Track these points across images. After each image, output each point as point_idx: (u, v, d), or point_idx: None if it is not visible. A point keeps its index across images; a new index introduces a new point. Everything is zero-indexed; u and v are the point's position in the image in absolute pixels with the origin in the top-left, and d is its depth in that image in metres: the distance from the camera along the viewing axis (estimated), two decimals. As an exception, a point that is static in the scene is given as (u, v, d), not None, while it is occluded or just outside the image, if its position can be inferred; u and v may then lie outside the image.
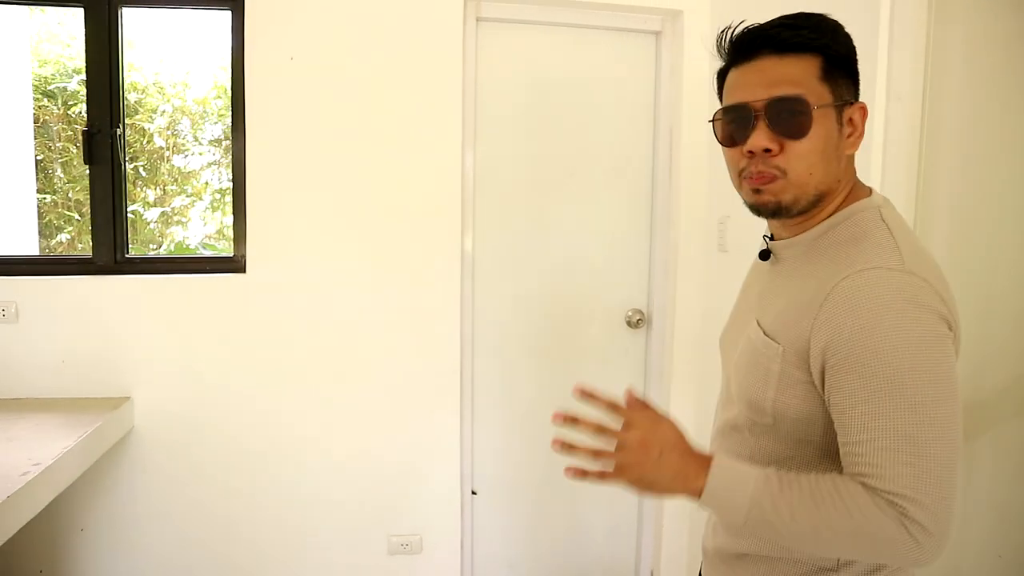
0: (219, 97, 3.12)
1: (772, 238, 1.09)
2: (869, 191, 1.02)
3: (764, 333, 1.00)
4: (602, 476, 0.97)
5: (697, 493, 0.90)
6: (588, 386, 1.01)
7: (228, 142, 2.83)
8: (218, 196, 3.18)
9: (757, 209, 1.01)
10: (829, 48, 0.96)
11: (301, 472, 2.39)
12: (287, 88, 2.26)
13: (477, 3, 2.39)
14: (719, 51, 1.04)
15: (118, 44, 2.25)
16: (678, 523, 2.65)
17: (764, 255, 1.12)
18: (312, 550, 2.42)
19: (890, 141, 1.65)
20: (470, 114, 2.43)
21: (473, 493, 2.61)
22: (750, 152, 0.97)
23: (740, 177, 1.01)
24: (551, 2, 2.42)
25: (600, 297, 2.65)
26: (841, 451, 0.89)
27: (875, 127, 1.63)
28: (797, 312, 0.94)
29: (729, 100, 1.02)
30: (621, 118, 2.59)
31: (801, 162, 0.94)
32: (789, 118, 0.94)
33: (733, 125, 0.99)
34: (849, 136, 0.98)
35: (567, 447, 0.98)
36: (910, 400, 0.82)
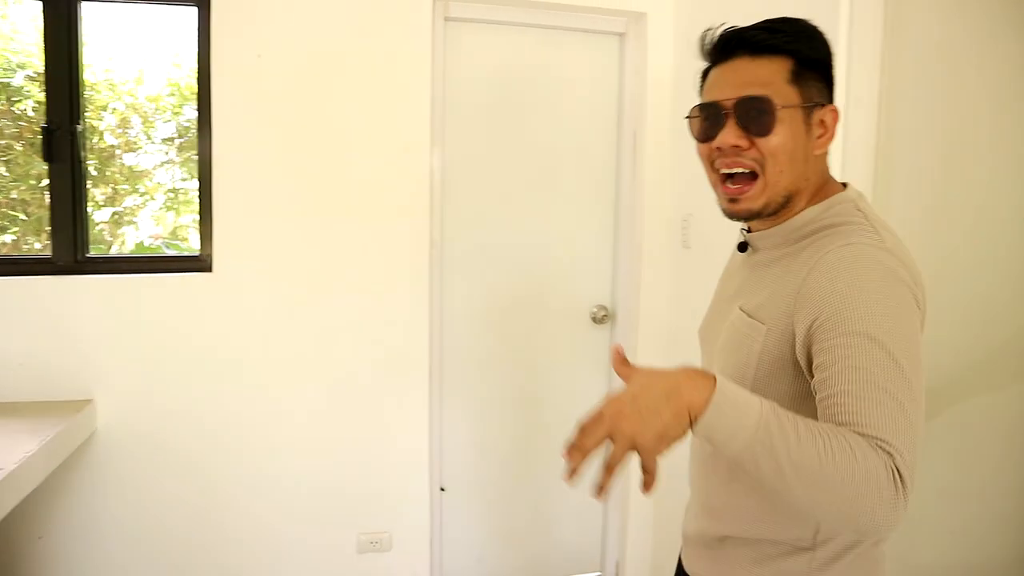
0: (173, 94, 3.05)
1: (749, 230, 1.14)
2: (843, 186, 1.07)
3: (748, 316, 1.03)
4: (610, 459, 0.81)
5: (702, 406, 0.79)
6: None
7: (182, 140, 2.78)
8: (171, 196, 3.12)
9: (731, 215, 1.06)
10: (801, 52, 1.00)
11: (269, 472, 2.36)
12: (255, 86, 2.24)
13: (445, 3, 2.41)
14: (701, 52, 1.08)
15: (77, 39, 2.19)
16: (643, 515, 2.72)
17: (742, 247, 1.16)
18: (282, 551, 2.39)
19: (850, 142, 1.74)
20: (438, 113, 2.44)
21: (441, 490, 2.62)
22: (719, 148, 1.01)
23: (716, 176, 1.05)
24: (518, 3, 2.45)
25: (566, 294, 2.69)
26: (821, 406, 0.86)
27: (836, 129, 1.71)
28: (781, 293, 0.98)
29: (704, 98, 1.06)
30: (587, 118, 2.64)
31: (773, 159, 0.99)
32: (756, 117, 0.98)
33: (706, 122, 1.04)
34: (820, 137, 1.02)
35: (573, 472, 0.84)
36: (890, 359, 0.83)
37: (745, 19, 1.06)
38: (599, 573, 2.86)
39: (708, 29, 1.07)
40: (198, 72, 2.26)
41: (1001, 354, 1.40)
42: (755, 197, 1.01)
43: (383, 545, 2.47)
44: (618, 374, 0.89)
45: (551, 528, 2.78)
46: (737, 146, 0.99)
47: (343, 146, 2.32)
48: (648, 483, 0.81)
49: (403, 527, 2.49)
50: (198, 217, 2.33)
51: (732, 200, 1.03)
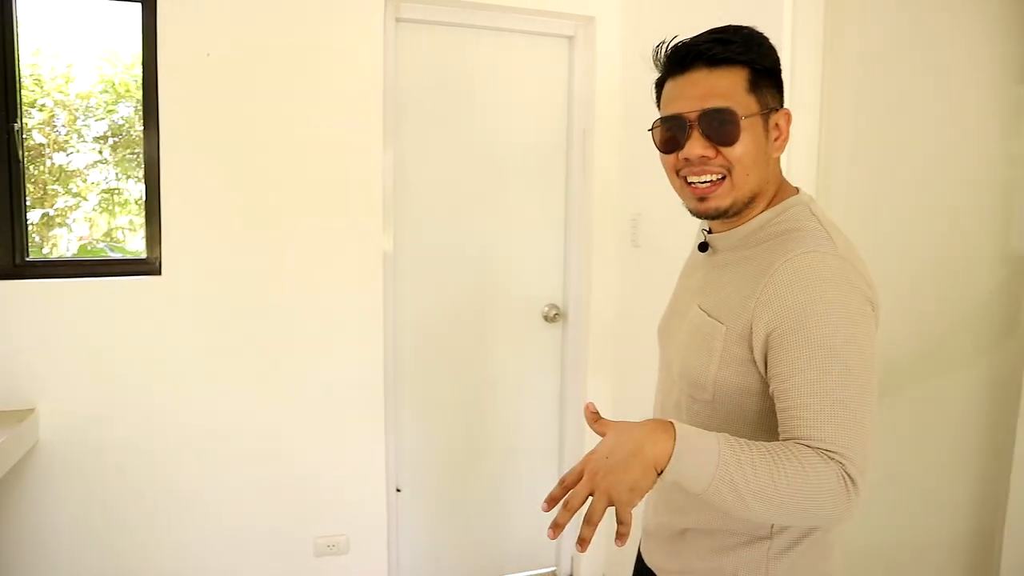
0: (106, 91, 2.96)
1: (709, 231, 1.18)
2: (796, 189, 1.12)
3: (707, 315, 1.08)
4: (589, 514, 0.88)
5: (665, 459, 0.87)
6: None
7: (116, 139, 2.69)
8: (106, 196, 3.02)
9: (699, 214, 1.10)
10: (755, 61, 1.04)
11: (223, 478, 2.32)
12: (203, 85, 2.20)
13: (397, 4, 2.40)
14: (655, 63, 1.11)
15: (13, 32, 2.11)
16: (596, 508, 2.77)
17: (703, 247, 1.20)
18: (238, 557, 2.35)
19: (793, 143, 1.82)
20: (390, 114, 2.43)
21: (398, 491, 2.62)
22: (686, 159, 1.05)
23: (682, 181, 1.09)
24: (469, 5, 2.47)
25: (518, 293, 2.73)
26: (780, 416, 0.95)
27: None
28: (739, 295, 1.03)
29: (666, 111, 1.09)
30: (537, 119, 2.67)
31: (740, 166, 1.03)
32: (720, 128, 1.02)
33: (670, 134, 1.07)
34: (776, 140, 1.07)
35: (558, 527, 0.91)
36: (844, 369, 0.91)
37: (691, 24, 1.10)
38: (554, 568, 2.90)
39: (660, 42, 1.10)
40: (143, 71, 2.20)
41: (944, 342, 1.50)
42: (723, 196, 1.05)
43: (340, 548, 2.46)
44: (593, 431, 0.96)
45: (507, 525, 2.81)
46: (705, 156, 1.03)
47: (295, 147, 2.30)
48: (623, 535, 0.90)
49: (360, 529, 2.48)
50: (144, 219, 2.26)
51: (701, 199, 1.06)
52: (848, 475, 0.87)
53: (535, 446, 2.81)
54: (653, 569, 1.24)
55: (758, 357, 0.99)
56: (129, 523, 2.24)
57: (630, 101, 2.54)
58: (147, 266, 2.23)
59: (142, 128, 2.25)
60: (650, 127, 1.12)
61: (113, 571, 2.24)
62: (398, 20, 2.43)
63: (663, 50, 1.09)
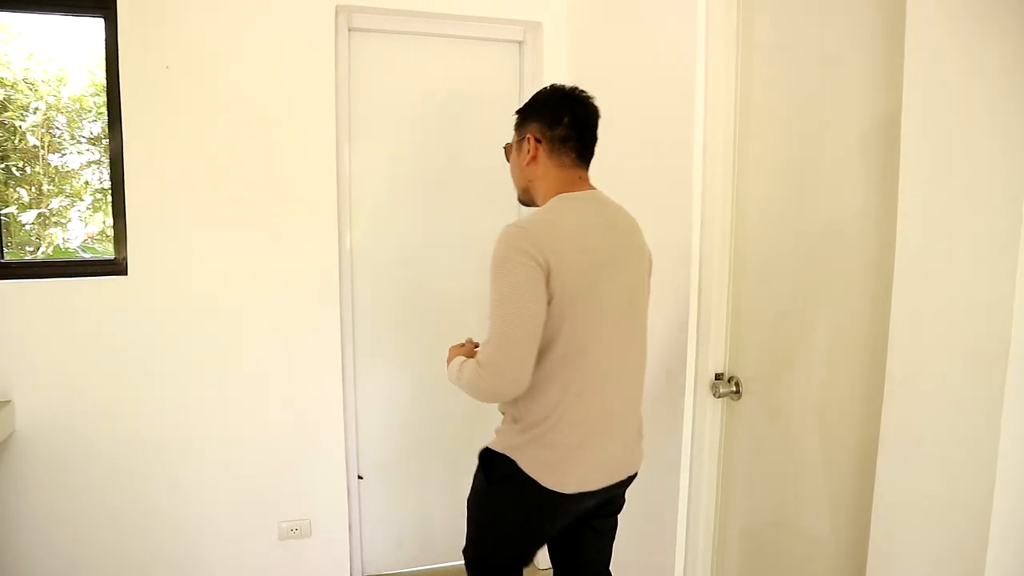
0: (97, 94, 3.08)
1: None
2: (573, 190, 1.62)
3: None
4: None
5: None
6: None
7: (107, 140, 2.83)
8: (100, 196, 3.15)
9: None
10: (521, 112, 1.73)
11: (190, 467, 2.46)
12: (164, 95, 2.32)
13: (349, 14, 2.51)
14: None
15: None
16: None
17: None
18: (204, 542, 2.50)
19: (709, 144, 1.93)
20: (344, 120, 2.54)
21: (360, 478, 2.75)
22: None
23: None
24: (420, 14, 2.57)
25: (473, 288, 2.83)
26: None
27: (696, 137, 1.93)
28: None
29: None
30: (488, 121, 2.77)
31: (511, 174, 1.78)
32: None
33: None
34: (530, 155, 1.66)
35: None
36: (498, 302, 1.45)
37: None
38: (516, 551, 3.01)
39: None
40: (107, 80, 2.33)
41: (824, 345, 1.59)
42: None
43: (303, 531, 2.59)
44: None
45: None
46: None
47: (253, 152, 2.41)
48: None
49: (322, 514, 2.62)
50: (112, 222, 2.39)
51: None
52: (482, 367, 1.48)
53: (492, 431, 2.90)
54: None
55: None
56: (99, 512, 2.40)
57: (578, 103, 2.62)
58: (115, 266, 2.36)
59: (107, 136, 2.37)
60: None
61: (83, 557, 2.40)
62: (351, 30, 2.53)
63: None
